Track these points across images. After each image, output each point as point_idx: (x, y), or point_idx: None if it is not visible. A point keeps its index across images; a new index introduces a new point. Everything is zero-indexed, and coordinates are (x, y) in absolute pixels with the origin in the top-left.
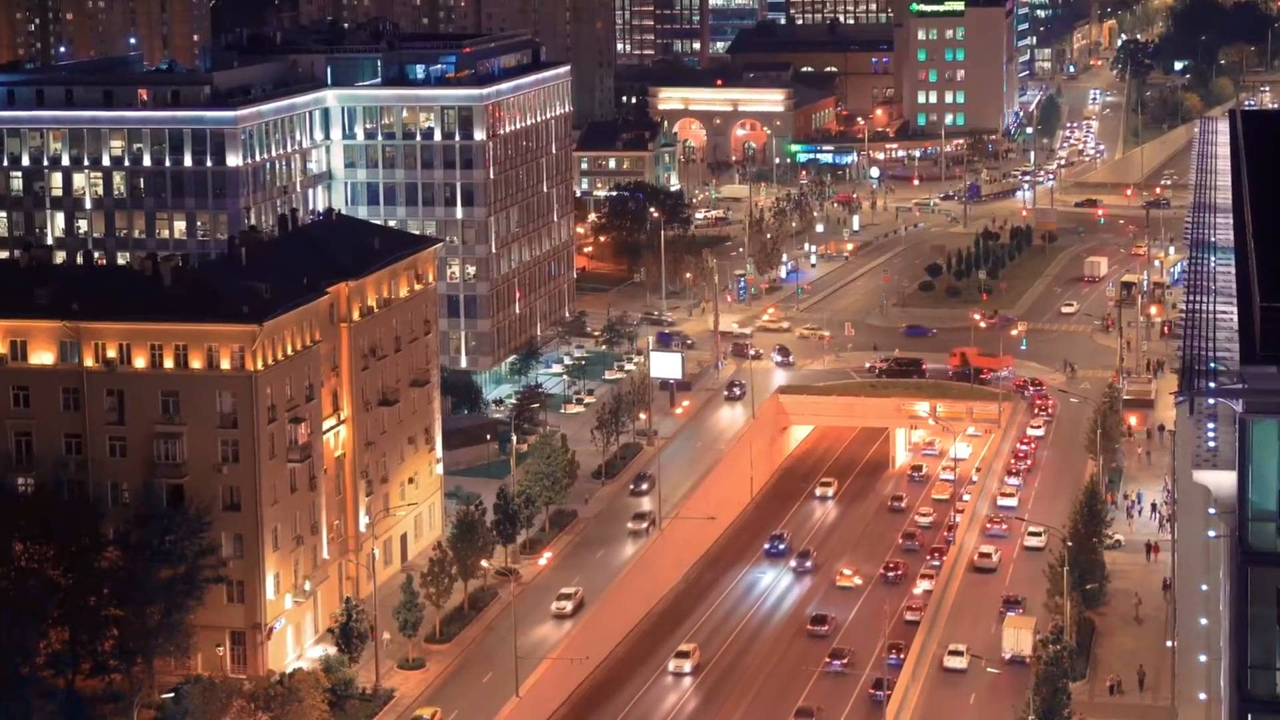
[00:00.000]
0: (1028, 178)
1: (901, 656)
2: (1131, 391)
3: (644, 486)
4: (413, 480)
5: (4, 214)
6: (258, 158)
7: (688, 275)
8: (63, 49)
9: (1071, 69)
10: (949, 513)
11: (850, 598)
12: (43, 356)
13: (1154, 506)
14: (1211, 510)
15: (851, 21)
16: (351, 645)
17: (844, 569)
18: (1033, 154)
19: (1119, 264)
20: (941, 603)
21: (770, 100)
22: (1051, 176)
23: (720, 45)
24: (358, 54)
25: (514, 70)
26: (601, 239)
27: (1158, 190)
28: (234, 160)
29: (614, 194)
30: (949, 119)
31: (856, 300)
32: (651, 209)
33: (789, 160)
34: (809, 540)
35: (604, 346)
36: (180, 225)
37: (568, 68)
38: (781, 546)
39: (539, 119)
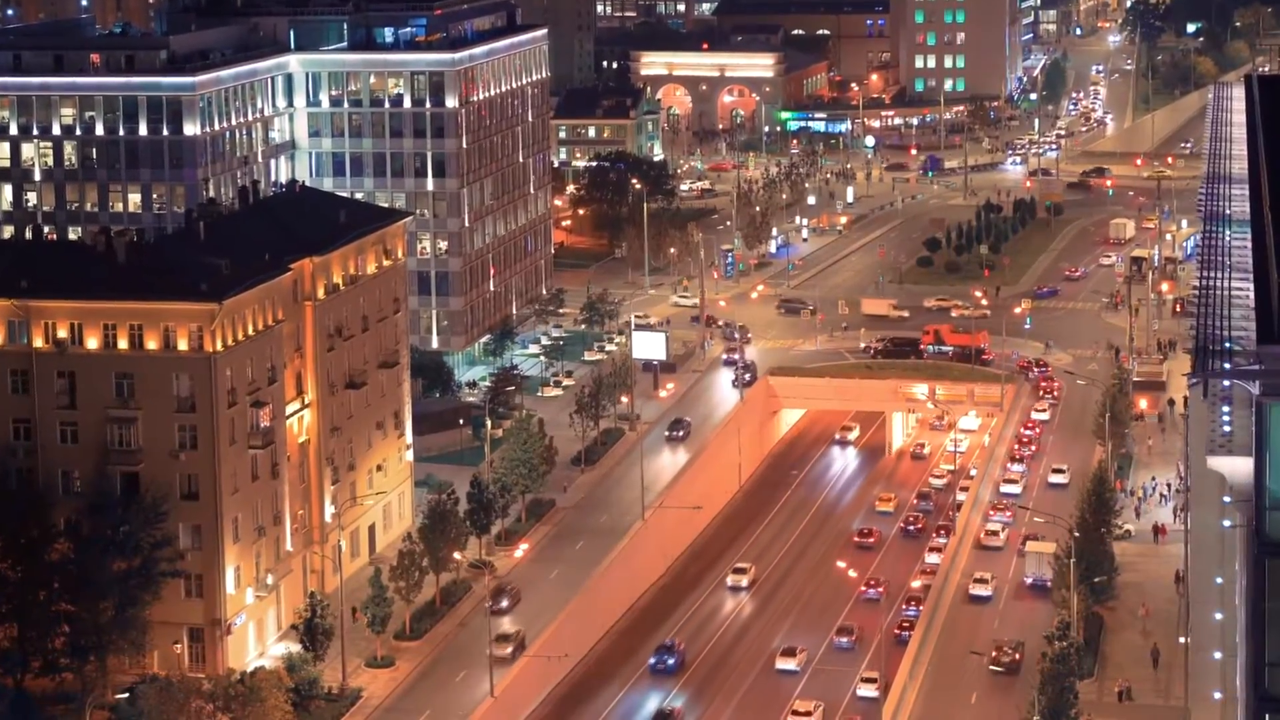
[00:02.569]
0: (1013, 151)
1: (920, 608)
2: (1142, 373)
3: (504, 603)
4: (381, 468)
5: None
6: (217, 126)
7: (672, 250)
8: (10, 11)
9: (1078, 31)
10: (955, 489)
11: (889, 521)
12: None
13: (1155, 487)
14: (1226, 499)
15: None
16: (316, 642)
17: (882, 494)
18: (1037, 121)
19: (1141, 230)
20: (954, 565)
21: (759, 65)
22: (1053, 147)
23: (706, 7)
24: (322, 16)
25: (488, 34)
26: (581, 212)
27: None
28: (192, 129)
29: (594, 164)
30: (948, 84)
31: (850, 277)
32: (634, 180)
33: (779, 128)
34: (709, 649)
35: (583, 326)
36: (135, 198)
37: (545, 31)
38: (670, 662)
39: (514, 85)
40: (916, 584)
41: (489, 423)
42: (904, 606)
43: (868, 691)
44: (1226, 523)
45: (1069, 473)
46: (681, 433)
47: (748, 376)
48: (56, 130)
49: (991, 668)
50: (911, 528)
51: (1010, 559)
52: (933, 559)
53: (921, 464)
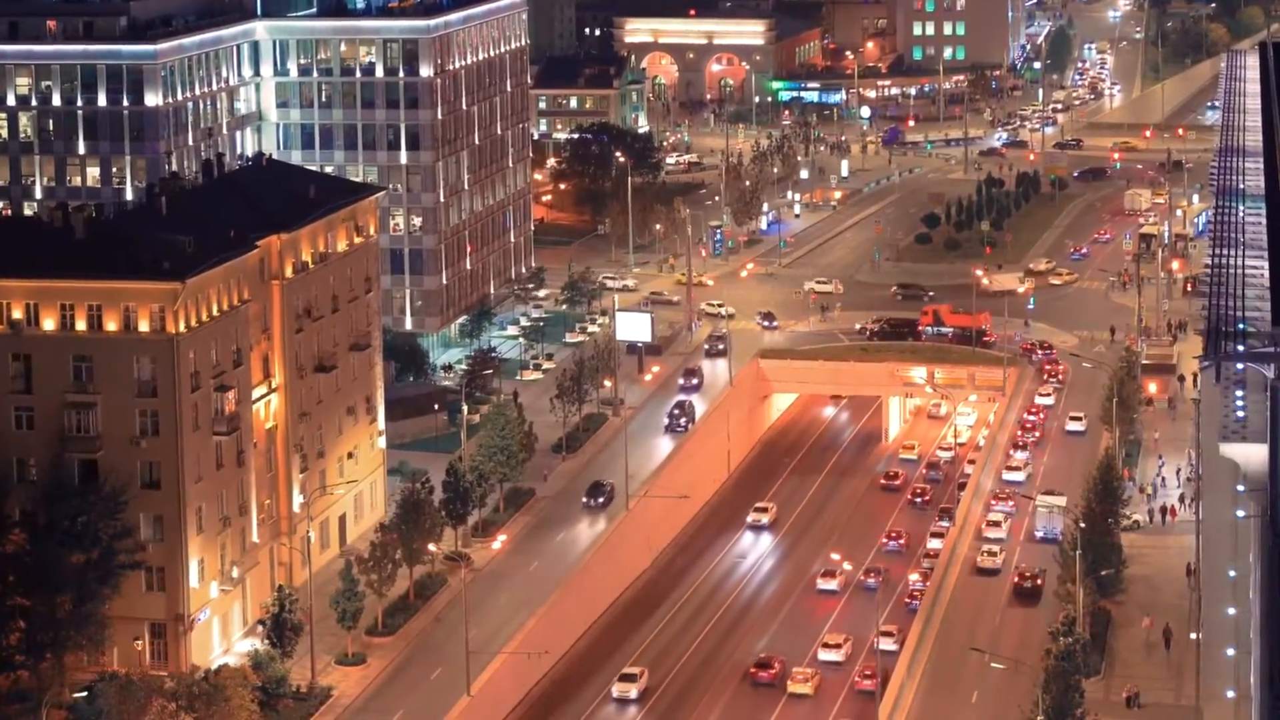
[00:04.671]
0: (1003, 125)
1: (927, 583)
2: (1151, 356)
3: None
4: (352, 455)
5: None
6: (180, 96)
7: (657, 227)
8: None
9: None
10: (963, 461)
11: (911, 466)
12: None
13: (1161, 468)
14: (1240, 487)
15: None
16: (284, 638)
17: (905, 442)
18: (1040, 91)
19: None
20: (954, 557)
21: (749, 32)
22: (1049, 121)
23: None
24: None
25: None
26: (562, 186)
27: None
28: (153, 99)
29: (575, 136)
30: (948, 53)
31: (845, 254)
32: (617, 153)
33: (770, 99)
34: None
35: (564, 306)
36: (94, 171)
37: None
38: None
39: (492, 53)
40: (915, 577)
41: (465, 408)
42: (910, 582)
43: (886, 645)
44: (1240, 513)
45: (1086, 420)
46: (601, 499)
47: (683, 422)
48: (11, 100)
49: (1015, 593)
50: (919, 499)
51: (1015, 546)
52: (934, 544)
53: (939, 423)
